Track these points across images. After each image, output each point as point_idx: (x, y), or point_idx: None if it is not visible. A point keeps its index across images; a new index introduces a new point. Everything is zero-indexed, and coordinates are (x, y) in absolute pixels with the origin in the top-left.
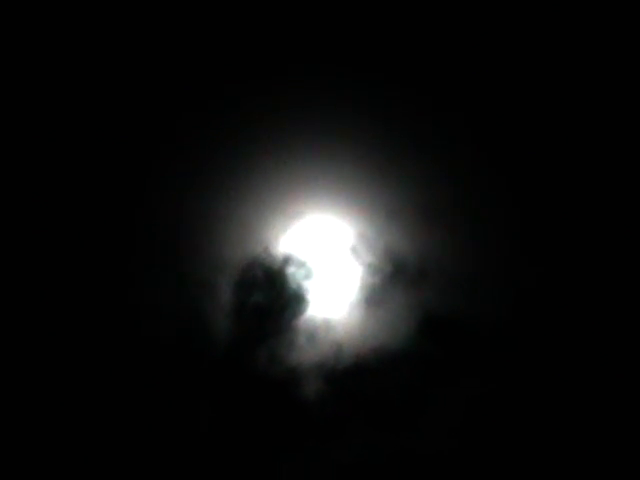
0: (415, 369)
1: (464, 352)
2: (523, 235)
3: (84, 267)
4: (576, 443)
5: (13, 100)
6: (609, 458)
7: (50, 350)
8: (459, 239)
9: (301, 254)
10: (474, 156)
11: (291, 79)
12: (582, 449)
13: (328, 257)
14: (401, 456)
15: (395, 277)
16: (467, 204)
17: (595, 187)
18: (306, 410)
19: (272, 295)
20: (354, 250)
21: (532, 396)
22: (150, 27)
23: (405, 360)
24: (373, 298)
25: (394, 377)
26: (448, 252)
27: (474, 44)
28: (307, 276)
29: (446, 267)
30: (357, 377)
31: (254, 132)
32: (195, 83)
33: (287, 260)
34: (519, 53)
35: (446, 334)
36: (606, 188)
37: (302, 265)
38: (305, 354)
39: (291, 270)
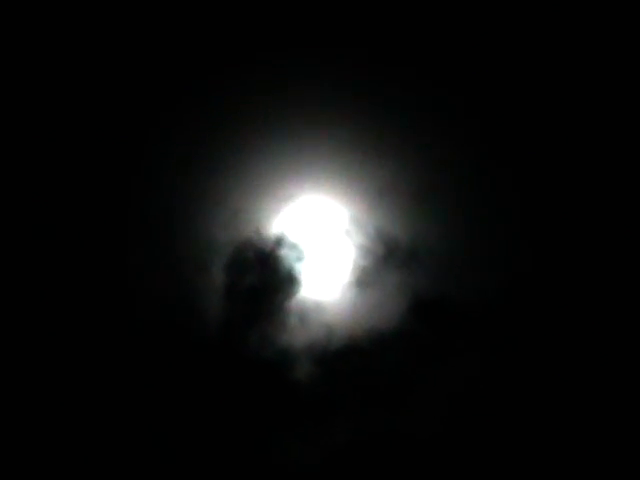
0: (406, 350)
1: (454, 333)
2: (515, 217)
3: (76, 248)
4: (565, 426)
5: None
6: (598, 437)
7: (43, 329)
8: (450, 221)
9: (293, 236)
10: (466, 138)
11: (280, 62)
12: (570, 431)
13: (320, 239)
14: (392, 436)
15: (386, 259)
16: (458, 186)
17: (588, 169)
18: (297, 391)
19: (264, 277)
20: (346, 232)
21: (521, 378)
22: (141, 11)
23: (396, 341)
24: (364, 280)
25: (385, 358)
26: (439, 234)
27: (466, 24)
28: (299, 258)
29: (437, 249)
30: (348, 358)
31: (246, 115)
32: (185, 68)
33: (279, 242)
34: (511, 36)
35: (437, 315)
36: (599, 170)
37: (294, 247)
38: (296, 335)
39: (283, 252)
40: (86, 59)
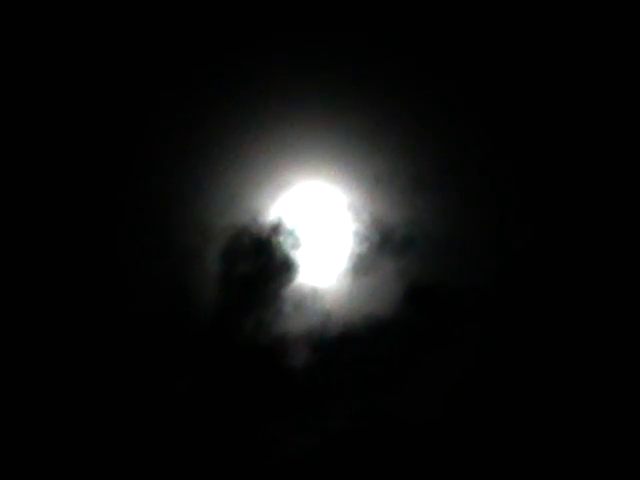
0: (402, 337)
1: (451, 320)
2: (511, 204)
3: (71, 234)
4: (562, 413)
5: None
6: (596, 428)
7: (37, 318)
8: (446, 208)
9: (289, 223)
10: (461, 124)
11: (277, 49)
12: (568, 418)
13: (316, 226)
14: (388, 423)
15: (382, 246)
16: (454, 172)
17: (586, 155)
18: (293, 378)
19: (260, 264)
20: (342, 219)
21: (518, 365)
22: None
23: (392, 328)
24: (361, 267)
25: (381, 345)
26: (435, 221)
27: (465, 13)
28: (295, 245)
29: (433, 236)
30: (344, 345)
31: (243, 101)
32: (182, 54)
33: (275, 229)
34: (510, 23)
35: (433, 302)
36: (596, 156)
37: (290, 234)
38: (293, 322)
39: (279, 239)
40: (84, 47)
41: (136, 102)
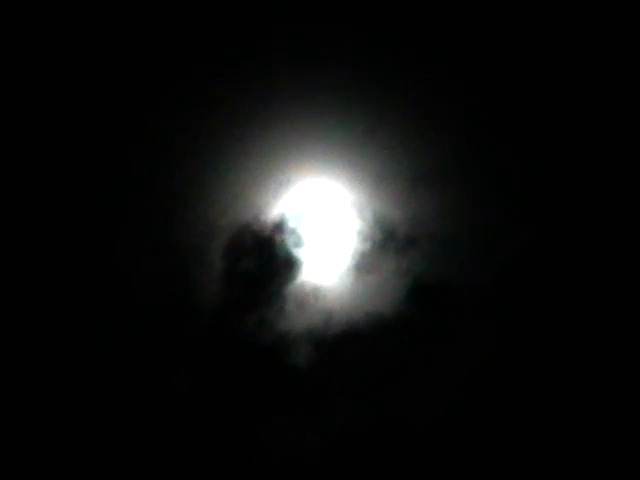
0: (404, 335)
1: (452, 318)
2: (513, 202)
3: (74, 232)
4: (563, 412)
5: None
6: (596, 423)
7: (39, 315)
8: (448, 206)
9: (292, 221)
10: (464, 122)
11: (278, 46)
12: (568, 417)
13: (319, 224)
14: (390, 422)
15: (385, 244)
16: (457, 171)
17: (587, 153)
18: (295, 376)
19: (262, 262)
20: (344, 217)
21: (520, 363)
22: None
23: (395, 326)
24: (363, 265)
25: (383, 344)
26: (438, 219)
27: (466, 12)
28: (297, 243)
29: (435, 234)
30: (346, 343)
31: (244, 99)
32: (184, 52)
33: (277, 227)
34: (512, 20)
35: (435, 300)
36: (596, 153)
37: (292, 232)
38: (295, 321)
39: (281, 237)
40: (85, 44)
41: (138, 101)
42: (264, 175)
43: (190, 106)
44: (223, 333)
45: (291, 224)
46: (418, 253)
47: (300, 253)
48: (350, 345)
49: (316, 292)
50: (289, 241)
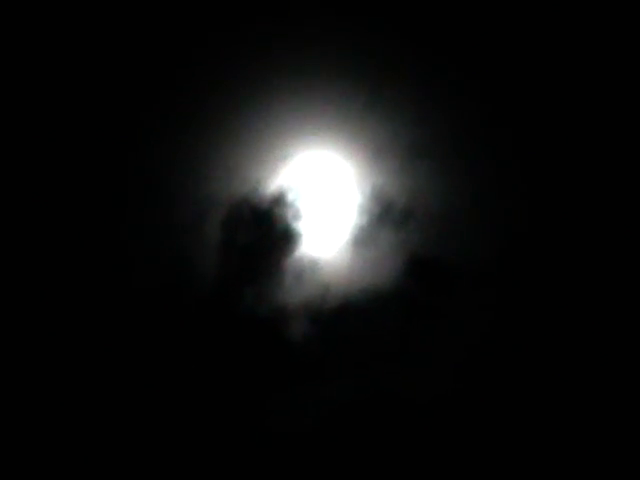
0: (402, 309)
1: (450, 293)
2: (513, 175)
3: (70, 204)
4: (561, 387)
5: None
6: (595, 401)
7: (38, 291)
8: (447, 179)
9: (290, 194)
10: (463, 94)
11: (279, 18)
12: (567, 397)
13: (317, 198)
14: (386, 397)
15: (382, 218)
16: (455, 144)
17: (587, 125)
18: (292, 350)
19: (260, 235)
20: (342, 191)
21: (518, 338)
22: None
23: (392, 300)
24: (361, 239)
25: (381, 317)
26: (436, 193)
27: None
28: (295, 216)
29: (433, 208)
30: (344, 317)
31: (243, 71)
32: (180, 25)
33: (275, 200)
34: None
35: (432, 274)
36: (599, 128)
37: (290, 205)
38: (292, 294)
39: (279, 210)
40: (83, 24)
41: (135, 75)
42: (263, 148)
43: (188, 78)
44: (220, 306)
45: (289, 197)
46: (416, 227)
47: (298, 226)
48: (347, 319)
49: (314, 265)
50: (287, 214)
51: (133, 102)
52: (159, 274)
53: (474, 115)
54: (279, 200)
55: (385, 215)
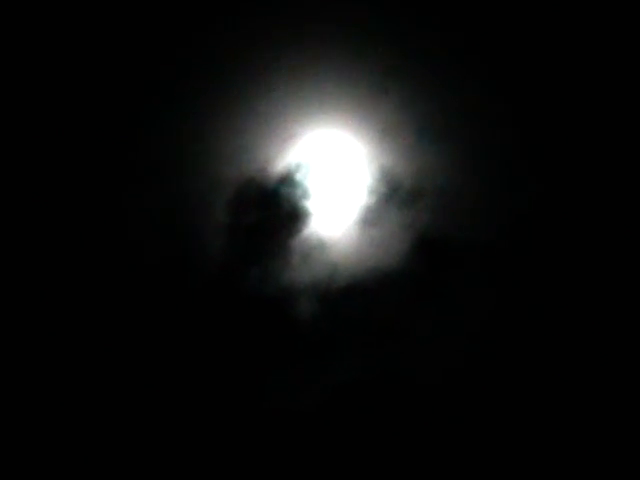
0: (409, 289)
1: (457, 273)
2: (521, 155)
3: (78, 184)
4: (567, 369)
5: None
6: (598, 388)
7: (45, 267)
8: (454, 159)
9: (297, 174)
10: (471, 74)
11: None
12: (573, 376)
13: (324, 178)
14: (393, 375)
15: (390, 198)
16: (464, 124)
17: (593, 105)
18: (299, 329)
19: (268, 214)
20: (350, 171)
21: (526, 319)
22: None
23: (399, 280)
24: (368, 219)
25: (388, 297)
26: (444, 172)
27: None
28: (303, 196)
29: (441, 188)
30: (351, 297)
31: (251, 51)
32: (186, 4)
33: (283, 180)
34: None
35: (440, 255)
36: (604, 109)
37: (298, 185)
38: (300, 273)
39: (287, 190)
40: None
41: (143, 53)
42: (271, 127)
43: (196, 57)
44: (228, 285)
45: (297, 177)
46: (424, 207)
47: (306, 206)
48: (355, 298)
49: (321, 245)
50: (295, 194)
51: (143, 82)
52: (166, 254)
53: (483, 96)
54: (287, 179)
55: (393, 195)
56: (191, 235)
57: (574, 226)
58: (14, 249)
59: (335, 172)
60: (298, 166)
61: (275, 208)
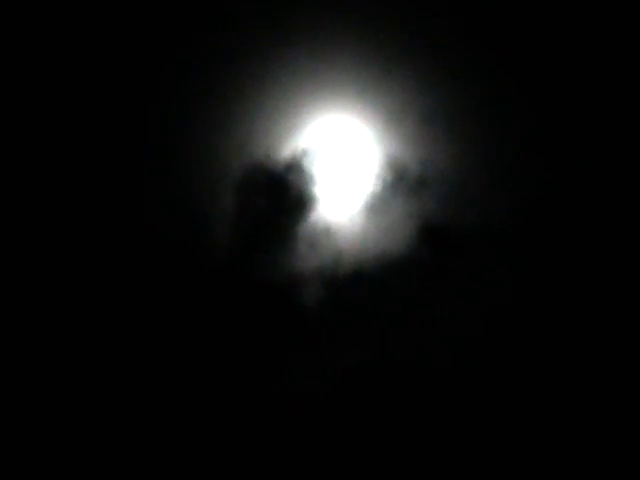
0: (415, 276)
1: (462, 260)
2: (526, 142)
3: (87, 172)
4: (571, 356)
5: None
6: (603, 365)
7: (54, 253)
8: (460, 146)
9: (304, 160)
10: (477, 61)
11: None
12: (578, 363)
13: (330, 164)
14: (399, 361)
15: (396, 184)
16: (469, 110)
17: (600, 90)
18: (306, 315)
19: (274, 201)
20: (356, 158)
21: (531, 305)
22: None
23: (405, 267)
24: (374, 205)
25: (394, 283)
26: (449, 160)
27: None
28: (309, 183)
29: (446, 175)
30: (357, 283)
31: (259, 38)
32: None
33: (289, 167)
34: None
35: (446, 241)
36: (611, 92)
37: (304, 172)
38: (306, 260)
39: (293, 177)
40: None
41: (151, 41)
42: (277, 114)
43: (204, 44)
44: (235, 271)
45: (303, 163)
46: (429, 194)
47: (312, 192)
48: (360, 284)
49: (327, 231)
50: (301, 180)
51: (150, 70)
52: (175, 240)
53: (488, 83)
54: (293, 165)
55: (399, 182)
56: (199, 221)
57: (580, 213)
58: (27, 237)
59: (341, 159)
60: (305, 152)
61: (282, 194)
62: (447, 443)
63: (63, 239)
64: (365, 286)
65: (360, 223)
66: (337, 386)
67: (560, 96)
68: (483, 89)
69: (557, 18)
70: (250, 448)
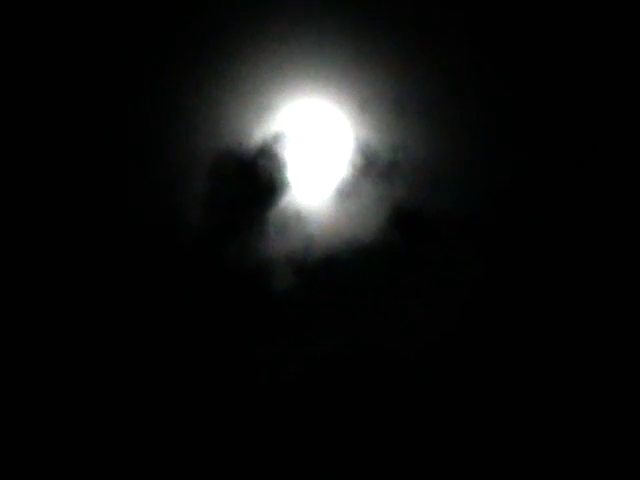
0: (386, 261)
1: (434, 244)
2: (499, 129)
3: (61, 154)
4: (549, 340)
5: None
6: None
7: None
8: (432, 132)
9: (274, 146)
10: (450, 46)
11: None
12: (557, 347)
13: (301, 150)
14: (371, 347)
15: (367, 170)
16: (441, 96)
17: (582, 84)
18: (276, 301)
19: (245, 186)
20: (327, 142)
21: (503, 290)
22: None
23: (376, 252)
24: (344, 191)
25: (365, 269)
26: (420, 145)
27: None
28: (280, 168)
29: (418, 160)
30: (328, 269)
31: (228, 21)
32: None
33: (259, 152)
34: None
35: (417, 226)
36: (594, 84)
37: (276, 156)
38: (276, 245)
39: (264, 161)
40: None
41: (120, 24)
42: (247, 99)
43: (172, 27)
44: (204, 257)
45: (274, 149)
46: (400, 179)
47: (282, 177)
48: (331, 270)
49: (298, 216)
50: (271, 166)
51: (118, 54)
52: (143, 226)
53: (461, 69)
54: (264, 151)
55: (370, 167)
56: (167, 207)
57: (555, 198)
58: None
59: (312, 144)
60: (275, 137)
61: (252, 179)
62: (422, 429)
63: (30, 221)
64: (336, 271)
65: (331, 208)
66: (309, 372)
67: (533, 82)
68: (456, 75)
69: (531, 3)
70: (223, 438)
